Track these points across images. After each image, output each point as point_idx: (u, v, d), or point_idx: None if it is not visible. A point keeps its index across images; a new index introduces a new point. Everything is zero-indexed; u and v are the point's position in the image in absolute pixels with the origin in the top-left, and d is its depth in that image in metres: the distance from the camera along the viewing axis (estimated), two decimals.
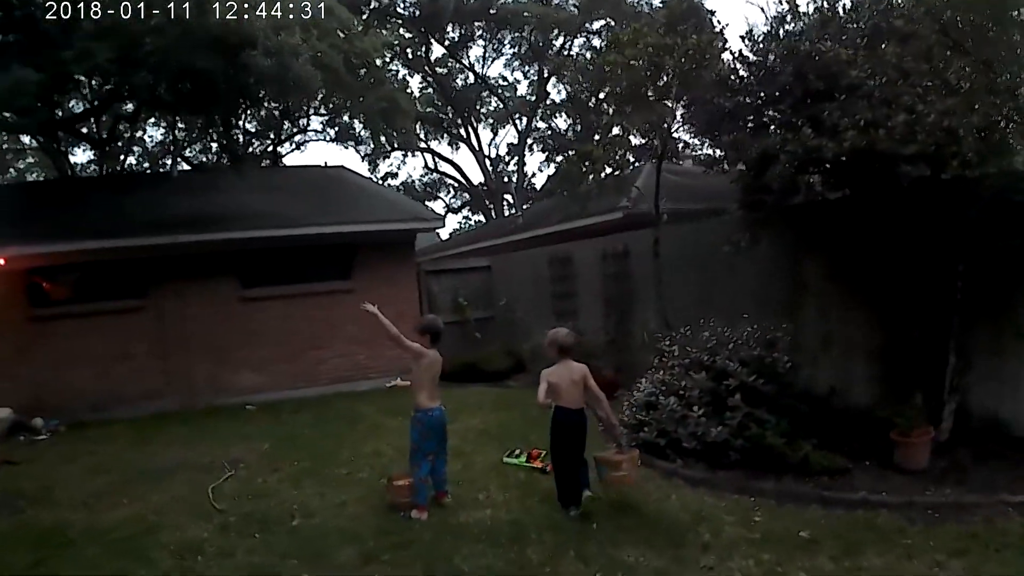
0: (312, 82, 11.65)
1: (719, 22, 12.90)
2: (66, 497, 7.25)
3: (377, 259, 13.92)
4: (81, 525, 6.32)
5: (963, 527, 5.24)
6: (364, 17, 24.79)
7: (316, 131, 26.74)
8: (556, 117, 34.75)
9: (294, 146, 27.59)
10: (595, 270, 12.30)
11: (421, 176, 38.27)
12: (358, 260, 13.86)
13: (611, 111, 12.48)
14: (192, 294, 12.80)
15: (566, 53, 31.42)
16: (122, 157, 25.14)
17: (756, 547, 5.07)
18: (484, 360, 13.61)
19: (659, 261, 9.90)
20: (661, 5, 21.18)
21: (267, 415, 11.36)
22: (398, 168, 38.22)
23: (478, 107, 34.22)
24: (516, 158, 35.10)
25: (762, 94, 7.68)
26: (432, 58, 32.09)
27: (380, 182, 31.08)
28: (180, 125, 21.72)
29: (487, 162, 34.59)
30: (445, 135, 34.97)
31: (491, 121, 35.34)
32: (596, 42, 30.30)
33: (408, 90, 26.18)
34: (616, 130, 11.10)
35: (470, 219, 39.91)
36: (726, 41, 9.15)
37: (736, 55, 8.21)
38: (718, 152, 9.69)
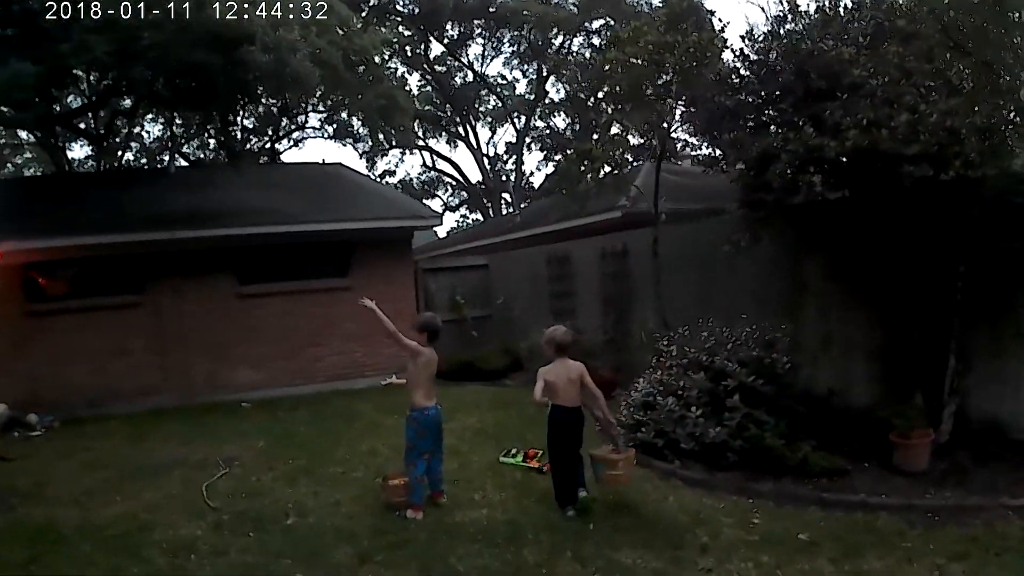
0: (310, 78, 11.61)
1: (720, 20, 12.82)
2: (60, 494, 7.19)
3: (375, 257, 13.87)
4: (74, 522, 6.26)
5: (963, 530, 5.22)
6: (363, 14, 24.77)
7: (314, 128, 26.65)
8: (555, 116, 34.74)
9: (292, 143, 27.55)
10: (593, 269, 12.26)
11: (419, 174, 38.25)
12: (356, 258, 13.82)
13: (610, 110, 12.43)
14: (189, 290, 12.74)
15: (565, 52, 31.38)
16: (120, 153, 25.03)
17: (755, 549, 5.04)
18: (481, 359, 13.58)
19: (658, 260, 9.87)
20: (660, 4, 21.11)
21: (263, 412, 11.31)
22: (396, 166, 38.13)
23: (477, 105, 34.16)
24: (514, 157, 35.07)
25: (763, 93, 7.64)
26: (431, 56, 32.03)
27: (378, 180, 31.02)
28: (178, 121, 21.64)
29: (485, 161, 34.54)
30: (443, 133, 34.91)
31: (489, 120, 35.29)
32: (595, 41, 30.26)
33: (407, 88, 26.05)
34: (615, 128, 11.06)
35: (468, 217, 39.87)
36: (726, 40, 9.11)
37: (737, 53, 8.16)
38: (717, 152, 9.64)
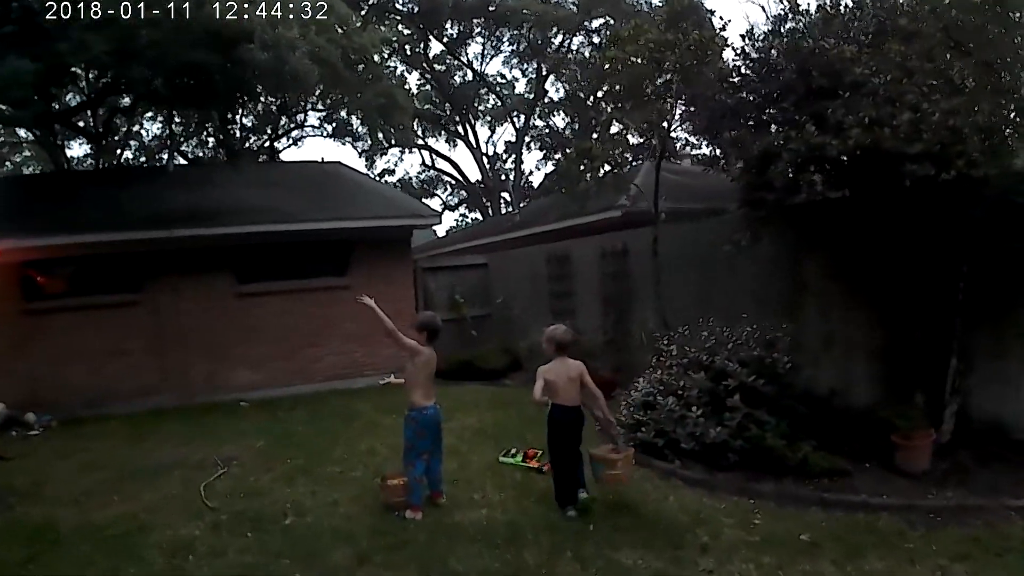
0: (309, 76, 11.58)
1: (721, 18, 12.82)
2: (58, 494, 7.16)
3: (374, 256, 13.84)
4: (72, 522, 6.24)
5: (965, 531, 5.20)
6: (363, 13, 24.74)
7: (313, 127, 26.68)
8: (554, 115, 34.75)
9: (291, 142, 27.52)
10: (593, 269, 12.23)
11: (418, 173, 38.32)
12: (355, 256, 13.78)
13: (609, 109, 12.41)
14: (188, 289, 12.71)
15: (565, 51, 31.37)
16: (119, 151, 25.04)
17: (756, 550, 5.01)
18: (480, 358, 13.54)
19: (658, 260, 9.84)
20: (660, 3, 21.10)
21: (262, 412, 11.28)
22: (395, 165, 38.13)
23: (476, 104, 34.17)
24: (514, 156, 35.06)
25: (764, 91, 7.61)
26: (430, 55, 32.02)
27: (377, 179, 31.01)
28: (177, 120, 21.63)
29: (484, 160, 34.54)
30: (443, 132, 34.93)
31: (489, 119, 35.31)
32: (595, 40, 30.23)
33: (406, 87, 26.09)
34: (615, 127, 11.03)
35: (467, 216, 39.87)
36: (727, 39, 9.09)
37: (738, 51, 8.13)
38: (718, 151, 9.62)
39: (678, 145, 14.79)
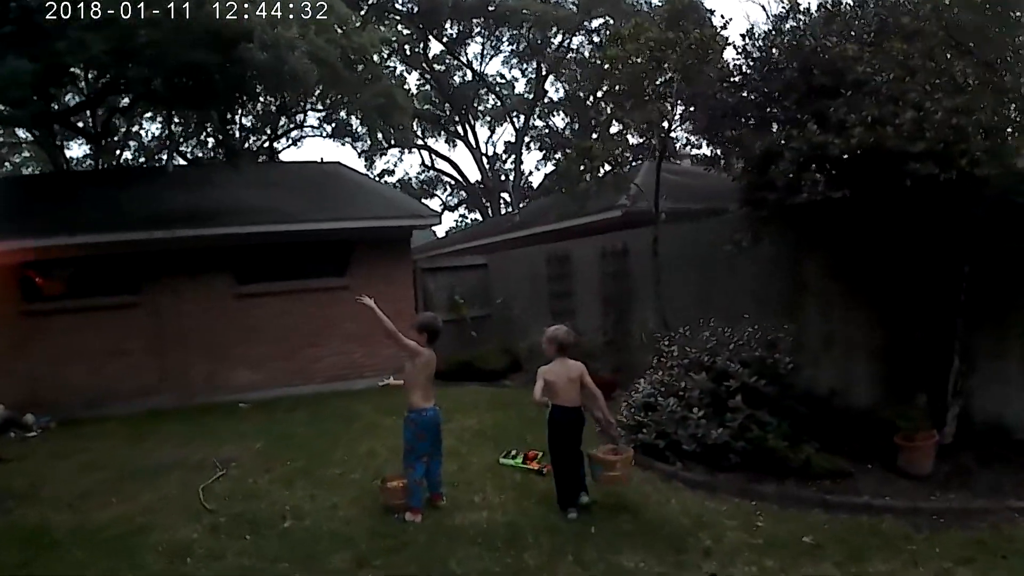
0: (308, 76, 11.55)
1: (723, 16, 12.80)
2: (55, 496, 7.11)
3: (374, 256, 13.80)
4: (70, 525, 6.19)
5: (969, 533, 5.16)
6: (362, 13, 24.71)
7: (313, 127, 26.70)
8: (554, 115, 34.71)
9: (290, 142, 27.55)
10: (593, 269, 12.19)
11: (418, 173, 38.25)
12: (354, 257, 13.75)
13: (609, 109, 12.37)
14: (187, 290, 12.68)
15: (564, 51, 31.35)
16: (118, 152, 25.04)
17: (759, 553, 4.97)
18: (480, 359, 13.50)
19: (658, 260, 9.80)
20: (660, 3, 21.07)
21: (262, 413, 11.24)
22: (395, 165, 38.19)
23: (476, 105, 34.13)
24: (513, 156, 35.03)
25: (765, 90, 7.59)
26: (430, 55, 31.98)
27: (377, 179, 30.97)
28: (176, 120, 21.62)
29: (484, 160, 34.50)
30: (442, 132, 34.90)
31: (488, 119, 35.27)
32: (595, 39, 30.20)
33: (405, 87, 26.08)
34: (616, 126, 11.00)
35: (467, 217, 39.85)
36: (728, 38, 9.05)
37: (740, 50, 8.09)
38: (718, 151, 9.59)
39: (678, 145, 14.77)
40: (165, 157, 23.70)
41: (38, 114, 13.98)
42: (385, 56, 24.13)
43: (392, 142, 27.84)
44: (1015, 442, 6.59)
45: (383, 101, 16.25)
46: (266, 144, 25.69)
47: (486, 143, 35.51)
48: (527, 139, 34.46)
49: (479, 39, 32.10)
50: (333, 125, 26.35)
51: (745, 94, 7.87)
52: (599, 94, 21.98)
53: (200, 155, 24.99)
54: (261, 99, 19.12)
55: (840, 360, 8.17)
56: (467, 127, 34.04)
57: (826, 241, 8.03)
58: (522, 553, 5.15)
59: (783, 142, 6.68)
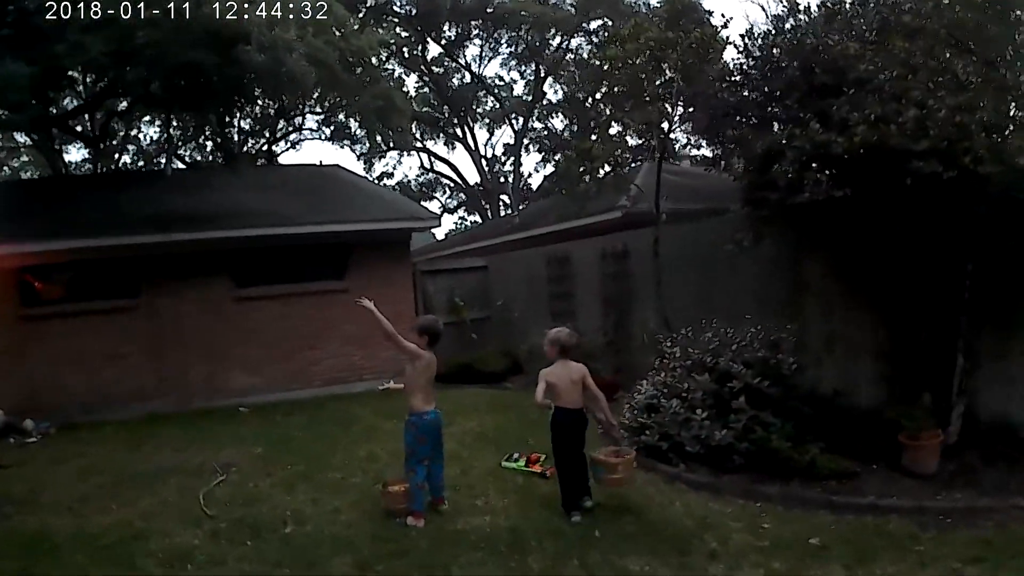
0: (306, 78, 11.51)
1: (723, 16, 12.79)
2: (54, 502, 7.05)
3: (373, 259, 13.76)
4: (68, 531, 6.13)
5: (976, 532, 5.13)
6: (360, 15, 24.68)
7: (311, 130, 26.67)
8: (553, 117, 34.71)
9: (289, 145, 27.50)
10: (594, 270, 12.15)
11: (417, 176, 38.17)
12: (353, 260, 13.70)
13: (609, 110, 12.35)
14: (186, 293, 12.62)
15: (563, 52, 31.35)
16: (117, 156, 25.01)
17: (765, 555, 4.93)
18: (480, 361, 13.46)
19: (659, 261, 9.77)
20: (659, 4, 21.06)
21: (261, 417, 11.18)
22: (394, 168, 38.08)
23: (474, 107, 34.12)
24: (512, 158, 35.03)
25: (766, 89, 7.55)
26: (428, 57, 31.97)
27: (376, 182, 30.95)
28: (175, 124, 21.57)
29: (483, 162, 34.49)
30: (441, 135, 34.87)
31: (487, 121, 35.24)
32: (594, 40, 30.20)
33: (404, 89, 26.04)
34: (615, 127, 10.97)
35: (466, 219, 39.81)
36: (728, 37, 9.03)
37: (741, 49, 8.05)
38: (719, 151, 9.54)
39: (677, 146, 14.75)
40: (164, 161, 23.61)
41: (36, 118, 13.96)
42: (384, 59, 24.10)
43: (391, 145, 27.82)
44: (1020, 440, 6.54)
45: (382, 103, 16.20)
46: (265, 147, 25.67)
47: (485, 145, 35.55)
48: (526, 141, 34.48)
49: (477, 41, 32.15)
50: (332, 128, 26.34)
51: (746, 93, 7.83)
52: (598, 95, 21.97)
53: (199, 158, 24.99)
54: (260, 102, 19.08)
55: (843, 360, 8.13)
56: (466, 129, 34.04)
57: (828, 240, 7.99)
58: (526, 558, 5.10)
59: (785, 141, 6.64)
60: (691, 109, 9.51)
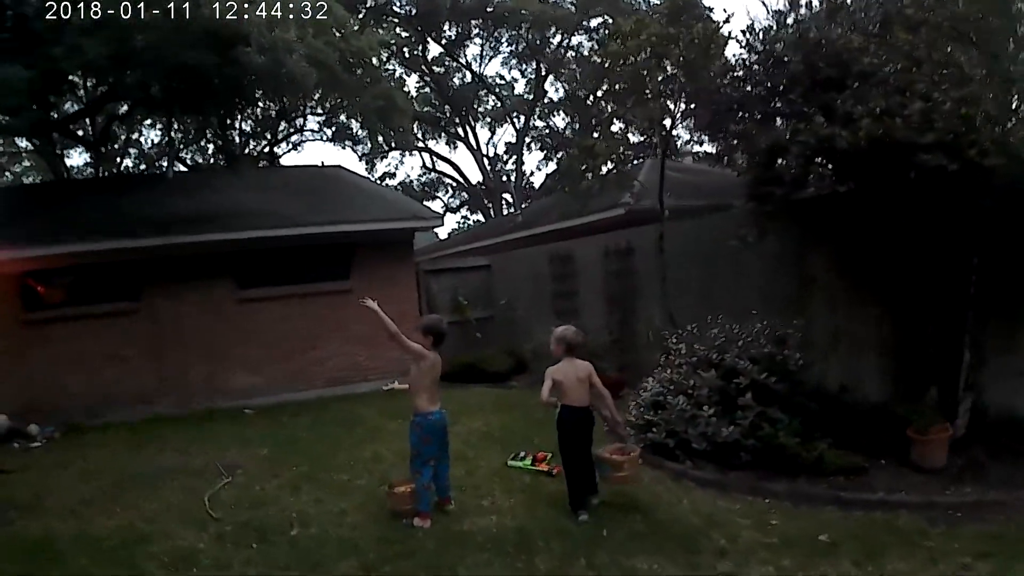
0: (307, 79, 11.48)
1: (725, 10, 12.75)
2: (58, 505, 7.03)
3: (376, 259, 13.74)
4: (72, 534, 6.11)
5: (985, 527, 5.10)
6: (360, 16, 24.66)
7: (313, 131, 26.65)
8: (554, 115, 34.67)
9: (291, 146, 27.50)
10: (597, 268, 12.11)
11: (419, 176, 38.27)
12: (356, 260, 13.68)
13: (610, 108, 12.31)
14: (188, 295, 12.61)
15: (564, 50, 31.31)
16: (118, 159, 25.00)
17: (774, 552, 4.89)
18: (485, 360, 13.43)
19: (663, 257, 9.73)
20: (658, 2, 21.01)
21: (265, 418, 11.15)
22: (396, 168, 38.19)
23: (476, 106, 34.12)
24: (514, 157, 35.00)
25: (770, 83, 7.50)
26: (429, 57, 31.95)
27: (378, 182, 30.93)
28: (176, 126, 21.57)
29: (485, 161, 34.47)
30: (443, 134, 34.87)
31: (489, 120, 35.26)
32: (594, 38, 30.17)
33: (405, 89, 26.01)
34: (618, 124, 10.94)
35: (469, 218, 39.85)
36: (730, 32, 8.99)
37: (743, 44, 8.00)
38: (721, 147, 9.50)
39: (679, 143, 14.71)
40: (165, 164, 23.61)
41: (36, 123, 13.94)
42: (384, 59, 24.08)
43: (392, 145, 27.80)
44: None
45: (383, 104, 16.16)
46: (266, 149, 25.66)
47: (487, 144, 35.57)
48: (528, 139, 34.47)
49: (478, 40, 32.16)
50: (333, 129, 26.32)
51: (749, 88, 7.78)
52: (600, 92, 21.93)
53: (200, 161, 24.97)
54: (260, 104, 19.07)
55: (849, 355, 8.08)
56: (467, 128, 34.03)
57: (833, 235, 7.96)
58: (533, 558, 5.06)
59: (789, 136, 6.60)
60: (693, 105, 9.47)
